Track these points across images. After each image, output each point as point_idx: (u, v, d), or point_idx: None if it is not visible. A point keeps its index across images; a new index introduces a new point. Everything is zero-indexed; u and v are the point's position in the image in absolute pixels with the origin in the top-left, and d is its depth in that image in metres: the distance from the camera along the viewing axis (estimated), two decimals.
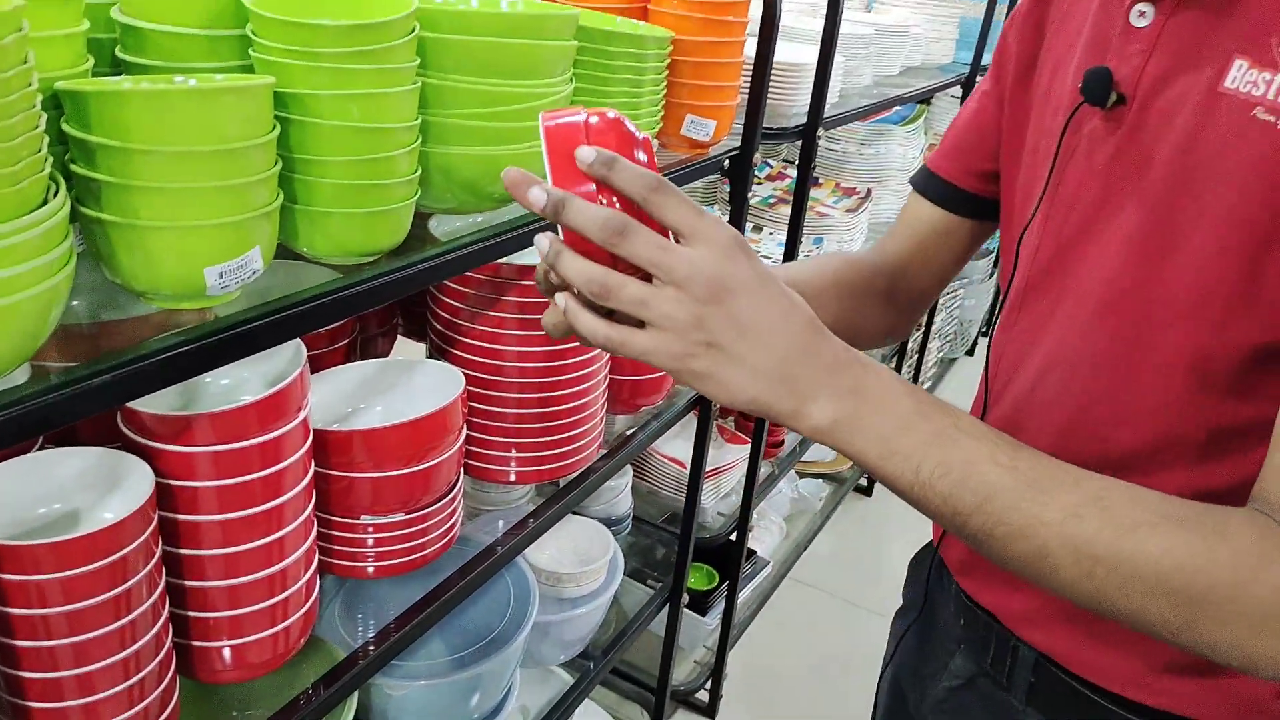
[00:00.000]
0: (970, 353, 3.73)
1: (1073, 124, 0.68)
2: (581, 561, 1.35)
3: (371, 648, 0.93)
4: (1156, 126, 0.62)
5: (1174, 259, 0.61)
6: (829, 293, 0.83)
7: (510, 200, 0.88)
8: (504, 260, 1.02)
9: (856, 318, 0.84)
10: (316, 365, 0.99)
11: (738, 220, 1.33)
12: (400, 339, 1.29)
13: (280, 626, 0.80)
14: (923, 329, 2.87)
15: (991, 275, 3.52)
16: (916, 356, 2.91)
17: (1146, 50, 0.63)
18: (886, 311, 0.87)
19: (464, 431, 0.96)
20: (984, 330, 3.85)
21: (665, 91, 1.10)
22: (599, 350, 1.10)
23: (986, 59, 2.32)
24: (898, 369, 2.72)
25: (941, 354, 3.34)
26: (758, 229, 1.87)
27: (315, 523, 0.84)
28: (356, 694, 0.95)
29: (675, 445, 1.86)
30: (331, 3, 0.69)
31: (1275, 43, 0.57)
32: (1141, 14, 0.64)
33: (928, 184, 0.87)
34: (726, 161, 1.25)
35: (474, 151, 0.80)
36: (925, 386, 3.20)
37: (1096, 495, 0.53)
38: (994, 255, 3.43)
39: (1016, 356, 0.74)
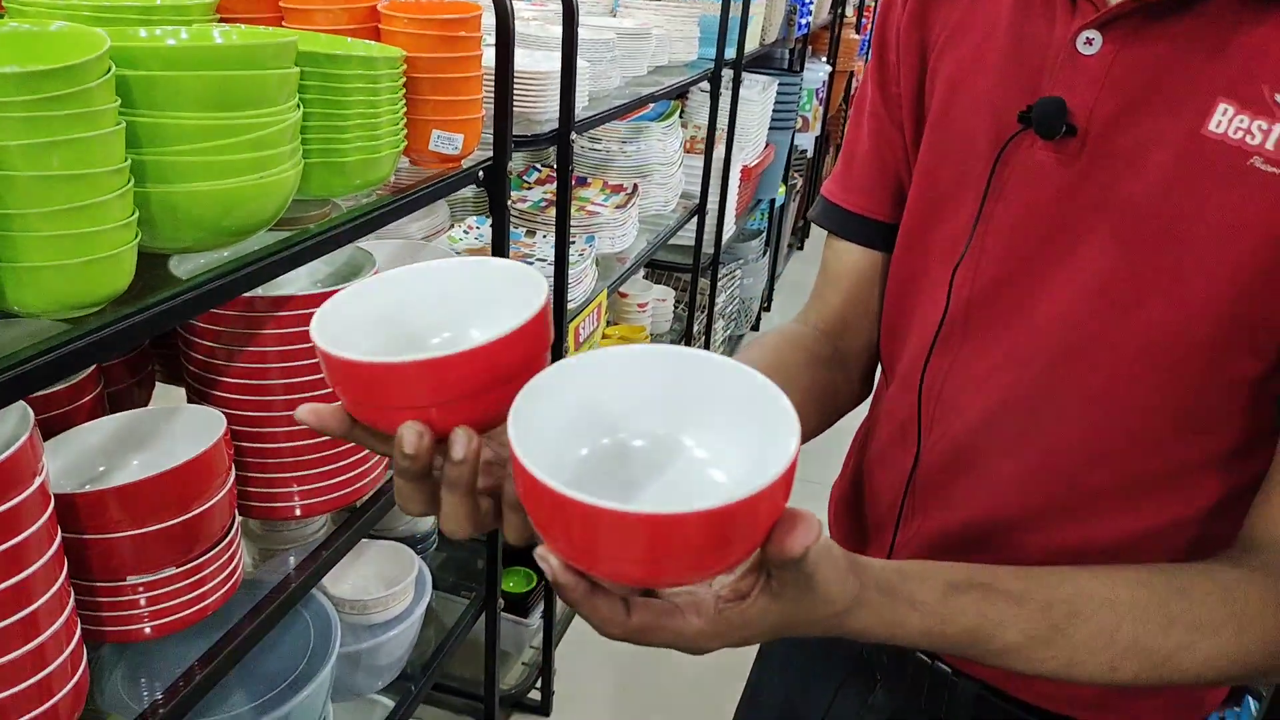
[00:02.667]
0: (755, 327, 3.92)
1: (1006, 152, 0.64)
2: (386, 585, 1.34)
3: (160, 701, 0.89)
4: (1124, 165, 0.59)
5: (1150, 307, 0.59)
6: (778, 378, 0.78)
7: (251, 232, 0.86)
8: (257, 294, 1.00)
9: (816, 396, 0.78)
10: (61, 425, 0.94)
11: (500, 227, 1.36)
12: (161, 386, 1.24)
13: (46, 706, 0.76)
14: (706, 311, 3.00)
15: (765, 254, 3.71)
16: (703, 338, 3.04)
17: (1098, 81, 0.60)
18: (838, 379, 0.81)
19: (232, 474, 0.94)
20: (765, 305, 4.06)
21: (406, 109, 1.11)
22: None
23: (729, 53, 2.45)
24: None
25: (728, 332, 3.49)
26: (530, 233, 1.90)
27: (72, 592, 0.79)
28: None
29: None
30: (23, 47, 0.66)
31: (1268, 90, 0.55)
32: (1089, 41, 0.60)
33: (852, 226, 0.80)
34: (481, 173, 1.27)
35: (199, 188, 0.78)
36: None
37: (1129, 644, 0.55)
38: (764, 234, 3.62)
39: (955, 394, 0.70)
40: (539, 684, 2.00)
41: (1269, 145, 0.55)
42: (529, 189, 2.06)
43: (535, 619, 1.97)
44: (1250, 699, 1.49)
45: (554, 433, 0.47)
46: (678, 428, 0.50)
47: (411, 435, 0.46)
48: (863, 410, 0.87)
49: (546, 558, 0.43)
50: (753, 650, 0.97)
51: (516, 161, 2.21)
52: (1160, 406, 0.61)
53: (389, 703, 1.42)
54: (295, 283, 1.14)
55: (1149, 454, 0.63)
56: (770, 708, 0.93)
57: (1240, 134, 0.55)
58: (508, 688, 1.98)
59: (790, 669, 0.91)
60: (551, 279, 1.67)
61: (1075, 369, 0.63)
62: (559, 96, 1.47)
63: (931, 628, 0.54)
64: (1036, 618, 0.55)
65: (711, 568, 0.43)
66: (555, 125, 1.49)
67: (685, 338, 2.79)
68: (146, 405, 1.18)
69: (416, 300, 0.55)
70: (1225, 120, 0.56)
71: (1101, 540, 0.66)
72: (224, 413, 0.95)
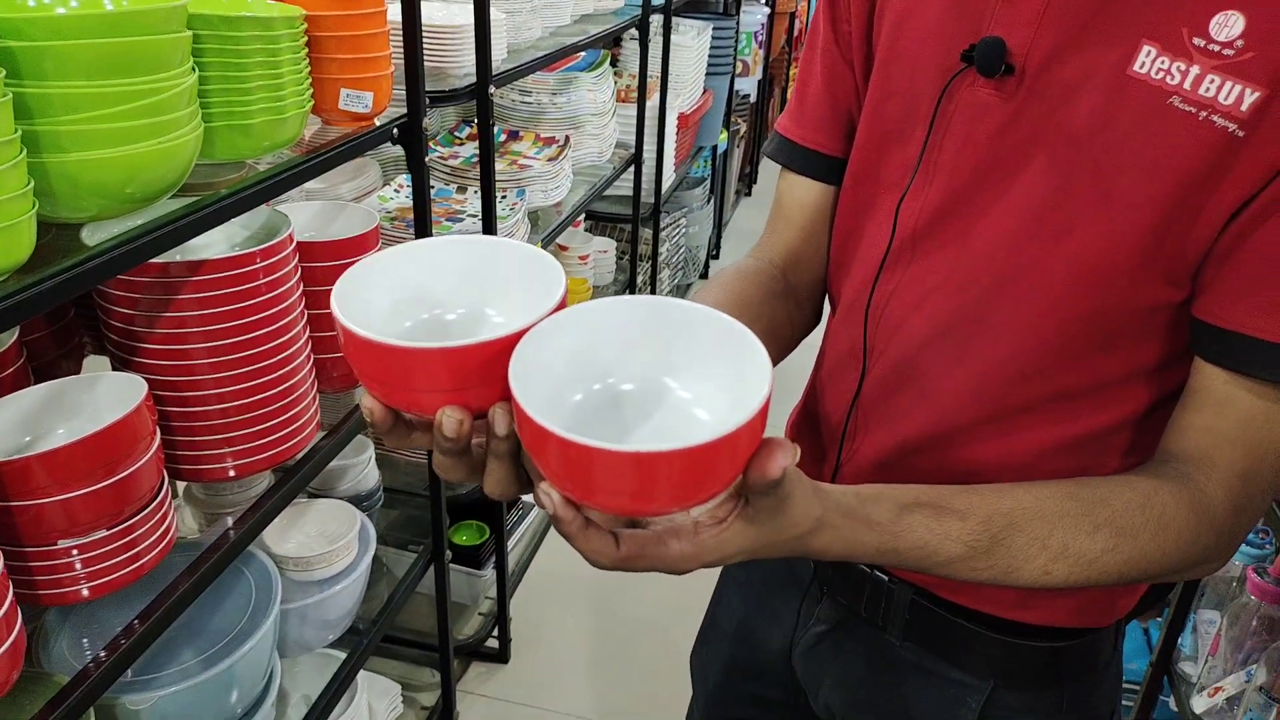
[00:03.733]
0: (704, 276, 3.95)
1: (950, 89, 0.68)
2: (330, 542, 1.37)
3: (103, 656, 0.91)
4: (1056, 102, 0.63)
5: (1078, 234, 0.63)
6: (744, 317, 0.78)
7: (156, 197, 0.87)
8: (173, 259, 1.01)
9: (773, 329, 0.81)
10: None
11: (420, 184, 1.37)
12: (94, 357, 1.24)
13: None
14: (650, 262, 3.02)
15: (709, 201, 3.73)
16: (648, 288, 3.06)
17: (1034, 22, 0.64)
18: (792, 311, 0.84)
19: (157, 436, 0.96)
20: (713, 254, 4.09)
21: (311, 69, 1.11)
22: (295, 335, 1.12)
23: (656, 0, 2.44)
24: None
25: (675, 281, 3.52)
26: (461, 189, 1.90)
27: (0, 556, 0.81)
28: (93, 715, 0.93)
29: None
30: None
31: (1187, 33, 0.58)
32: None
33: (805, 161, 0.83)
34: (395, 130, 1.28)
35: (96, 156, 0.79)
36: None
37: (1060, 550, 0.61)
38: (708, 181, 3.64)
39: (898, 319, 0.75)
40: (495, 633, 2.05)
41: (1186, 86, 0.58)
42: (460, 145, 2.06)
43: (488, 570, 2.02)
44: (1166, 609, 1.58)
45: (550, 382, 0.51)
46: (662, 371, 0.54)
47: (452, 423, 0.50)
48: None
49: (549, 493, 0.48)
50: (706, 591, 1.02)
51: (447, 118, 2.20)
52: (1086, 327, 0.66)
53: (340, 655, 1.45)
54: (213, 247, 1.15)
55: (1074, 370, 0.68)
56: (727, 630, 0.99)
57: (1161, 74, 0.59)
58: (465, 638, 2.03)
59: (750, 596, 0.96)
60: (480, 233, 1.69)
61: (1010, 292, 0.67)
62: (474, 50, 1.47)
63: (885, 544, 0.59)
64: (978, 530, 0.60)
65: (697, 497, 0.48)
66: (473, 80, 1.50)
67: (629, 289, 2.81)
68: None
69: (434, 274, 0.57)
70: (1148, 61, 0.59)
71: (1029, 450, 0.72)
72: (147, 378, 0.97)
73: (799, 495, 0.53)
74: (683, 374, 0.54)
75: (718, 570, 0.52)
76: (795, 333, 0.86)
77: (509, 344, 0.49)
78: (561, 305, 0.53)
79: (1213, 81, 0.58)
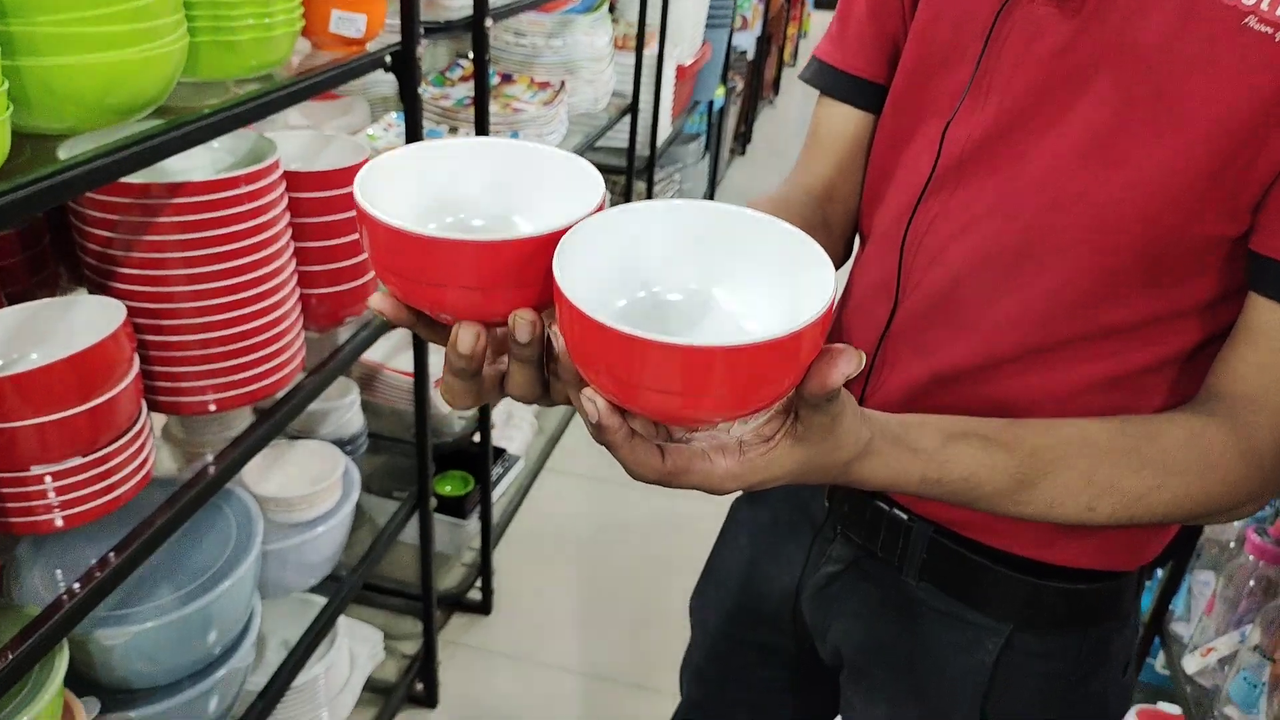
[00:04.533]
0: None
1: (1008, 6, 0.65)
2: (313, 484, 1.34)
3: (77, 589, 0.89)
4: (1121, 20, 0.60)
5: (1137, 162, 0.61)
6: None
7: (137, 111, 0.83)
8: (153, 180, 0.97)
9: None
10: None
11: (414, 117, 1.32)
12: (69, 291, 1.20)
13: None
14: None
15: (704, 158, 3.68)
16: None
17: None
18: (828, 243, 0.80)
19: (135, 364, 0.92)
20: None
21: None
22: (279, 266, 1.08)
23: None
24: None
25: None
26: (453, 130, 1.85)
27: None
28: (66, 646, 0.91)
29: (407, 358, 1.86)
30: None
31: None
32: None
33: (846, 87, 0.80)
34: (388, 58, 1.23)
35: (76, 61, 0.75)
36: None
37: (1106, 486, 0.59)
38: (704, 137, 3.59)
39: (937, 248, 0.72)
40: (479, 584, 2.03)
41: (1264, 5, 0.55)
42: (452, 85, 2.01)
43: (473, 520, 2.00)
44: (1159, 570, 1.58)
45: (593, 285, 0.47)
46: (711, 281, 0.51)
47: (469, 336, 0.48)
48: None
49: (594, 398, 0.45)
50: (691, 542, 0.99)
51: (440, 56, 2.15)
52: (1137, 260, 0.63)
53: (321, 600, 1.43)
54: (198, 173, 1.10)
55: (1121, 305, 0.65)
56: (732, 573, 0.97)
57: None
58: (448, 588, 2.01)
59: (759, 538, 0.94)
60: None
61: (1060, 221, 0.65)
62: None
63: (930, 474, 0.57)
64: (1026, 463, 0.58)
65: (751, 404, 0.44)
66: (469, 11, 1.45)
67: None
68: None
69: (462, 175, 0.54)
70: None
71: (1067, 387, 0.69)
72: (126, 304, 0.93)
73: (848, 415, 0.51)
74: (733, 285, 0.51)
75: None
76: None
77: (543, 244, 0.46)
78: (600, 208, 0.49)
79: None
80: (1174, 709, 1.47)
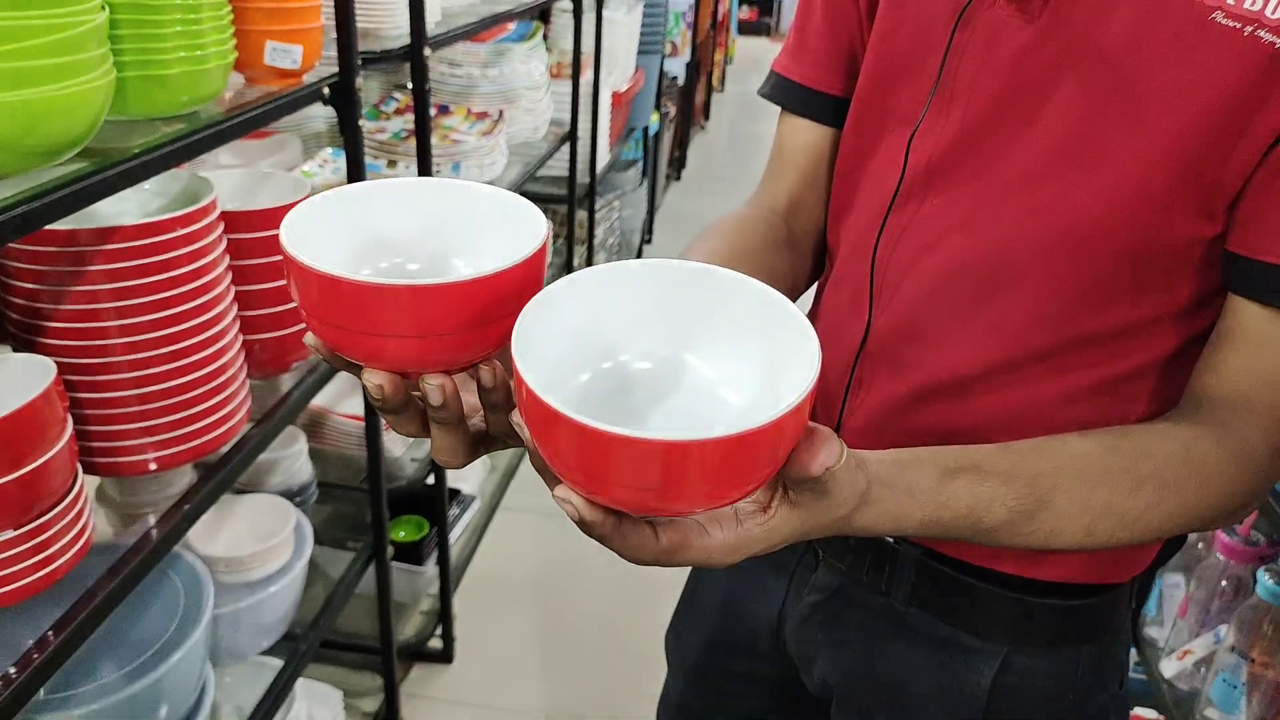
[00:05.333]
0: (638, 256, 3.90)
1: (968, 13, 0.63)
2: (262, 540, 1.26)
3: (13, 674, 0.81)
4: (1084, 20, 0.59)
5: (1111, 164, 0.59)
6: (745, 268, 0.72)
7: (61, 152, 0.77)
8: (77, 226, 0.90)
9: (778, 281, 0.76)
10: None
11: (355, 150, 1.27)
12: None
13: None
14: (586, 244, 2.95)
15: (642, 184, 3.67)
16: None
17: None
18: (795, 262, 0.80)
19: (68, 425, 0.85)
20: (645, 238, 4.04)
21: (234, 17, 1.01)
22: (221, 312, 1.02)
23: None
24: None
25: None
26: (392, 164, 1.80)
27: None
28: None
29: (355, 402, 1.79)
30: None
31: None
32: None
33: (806, 102, 0.78)
34: (327, 89, 1.18)
35: None
36: None
37: (1104, 508, 0.57)
38: (640, 163, 3.58)
39: (908, 261, 0.70)
40: (439, 632, 1.96)
41: (1230, 0, 0.54)
42: (387, 119, 1.96)
43: (430, 566, 1.92)
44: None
45: (553, 357, 0.45)
46: (682, 347, 0.48)
47: (435, 391, 0.46)
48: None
49: (569, 498, 0.43)
50: (657, 581, 0.96)
51: (372, 90, 2.10)
52: (1116, 266, 0.62)
53: (278, 662, 1.35)
54: (127, 216, 1.04)
55: (1101, 313, 0.64)
56: (710, 605, 0.93)
57: None
58: (407, 638, 1.93)
59: (737, 568, 0.91)
60: None
61: (1034, 229, 0.63)
62: (408, 9, 1.38)
63: (929, 515, 0.55)
64: (1023, 493, 0.56)
65: (730, 494, 0.42)
66: (406, 40, 1.40)
67: (566, 270, 2.74)
68: None
69: (395, 217, 0.51)
70: None
71: (1049, 398, 0.67)
72: (55, 360, 0.86)
73: (842, 475, 0.48)
74: (706, 350, 0.47)
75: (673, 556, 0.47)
76: (798, 284, 0.81)
77: (483, 286, 0.43)
78: (541, 252, 0.46)
79: None
80: (1153, 714, 1.47)
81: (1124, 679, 0.81)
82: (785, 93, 0.80)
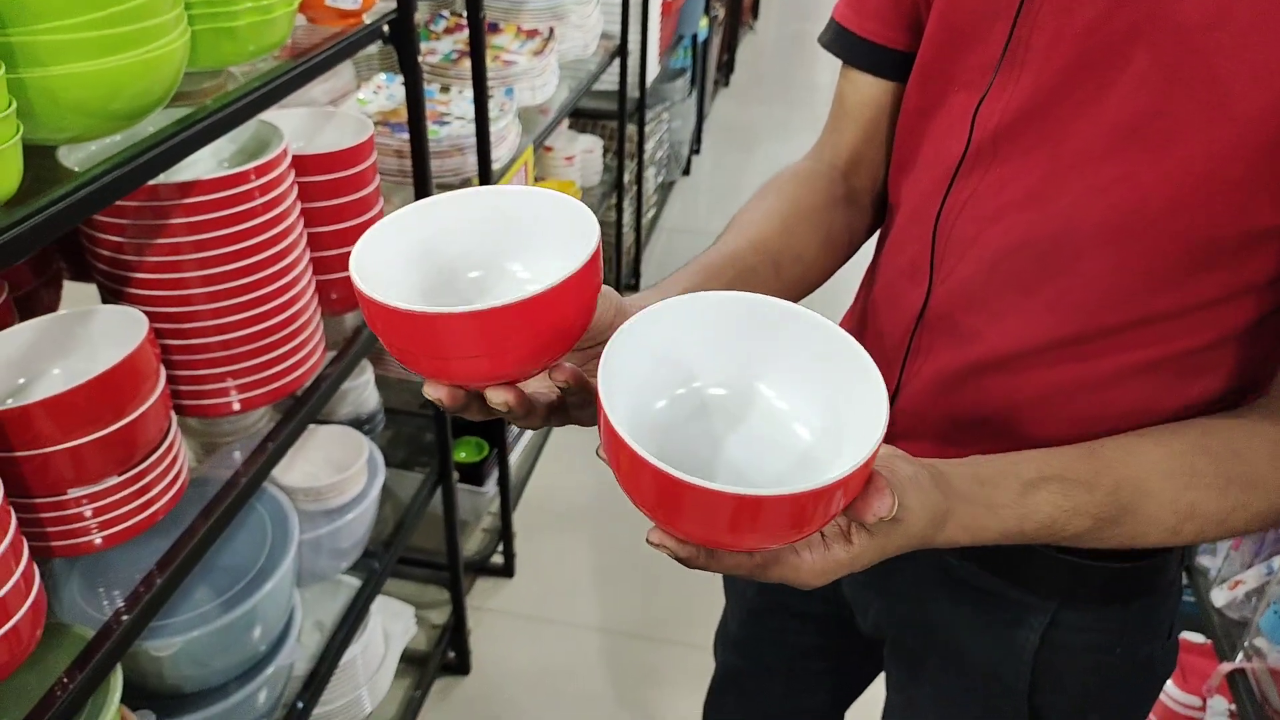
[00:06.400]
0: (686, 172, 3.85)
1: None
2: (337, 470, 1.32)
3: (124, 616, 0.87)
4: None
5: (1182, 145, 0.57)
6: (803, 227, 0.75)
7: (143, 114, 0.79)
8: (158, 181, 0.92)
9: (837, 238, 0.78)
10: None
11: (415, 87, 1.27)
12: (70, 285, 1.16)
13: (6, 628, 0.73)
14: (636, 159, 2.92)
15: (690, 93, 3.60)
16: (636, 187, 2.97)
17: None
18: (852, 217, 0.80)
19: (162, 375, 0.89)
20: (694, 149, 3.98)
21: None
22: (296, 257, 1.04)
23: None
24: (618, 203, 2.78)
25: (660, 179, 3.43)
26: (445, 89, 1.79)
27: (12, 511, 0.76)
28: (120, 668, 0.90)
29: None
30: None
31: None
32: None
33: (867, 55, 0.76)
34: (386, 27, 1.17)
35: (79, 69, 0.70)
36: (650, 215, 3.29)
37: (1190, 510, 0.58)
38: (688, 72, 3.50)
39: (972, 231, 0.68)
40: (500, 548, 2.03)
41: None
42: (437, 39, 1.94)
43: (491, 486, 1.99)
44: None
45: (633, 385, 0.48)
46: (754, 376, 0.50)
47: (499, 400, 0.49)
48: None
49: (663, 543, 0.46)
50: None
51: (421, 10, 2.07)
52: (1183, 248, 0.60)
53: (356, 581, 1.42)
54: (200, 164, 1.06)
55: (1165, 293, 0.62)
56: None
57: None
58: (471, 555, 2.01)
59: None
60: (474, 138, 1.59)
61: (1099, 207, 0.61)
62: None
63: (1010, 528, 0.56)
64: (1106, 501, 0.58)
65: (792, 537, 0.45)
66: None
67: (616, 188, 2.72)
68: (56, 308, 1.12)
69: (454, 230, 0.54)
70: None
71: (1107, 374, 0.67)
72: (141, 309, 0.90)
73: (915, 502, 0.51)
74: (777, 380, 0.50)
75: (766, 571, 0.52)
76: (855, 240, 0.81)
77: (541, 303, 0.45)
78: (595, 255, 0.48)
79: None
80: (1201, 639, 1.50)
81: (1173, 628, 0.82)
82: (846, 45, 0.78)
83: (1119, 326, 0.65)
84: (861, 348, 0.48)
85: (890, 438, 0.80)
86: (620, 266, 2.90)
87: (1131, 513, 0.58)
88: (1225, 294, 0.62)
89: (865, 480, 0.45)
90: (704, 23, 3.56)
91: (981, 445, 0.65)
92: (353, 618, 1.36)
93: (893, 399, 0.78)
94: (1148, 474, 0.59)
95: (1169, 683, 1.47)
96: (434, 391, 0.49)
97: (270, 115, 1.15)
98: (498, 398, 0.49)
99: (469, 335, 0.46)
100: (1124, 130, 0.59)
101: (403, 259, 0.52)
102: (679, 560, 0.47)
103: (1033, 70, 0.63)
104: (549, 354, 0.48)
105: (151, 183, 0.90)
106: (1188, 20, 0.55)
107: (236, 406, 1.05)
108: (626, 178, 2.83)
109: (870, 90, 0.78)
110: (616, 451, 0.44)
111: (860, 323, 0.84)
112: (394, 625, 1.61)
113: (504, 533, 2.01)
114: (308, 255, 1.09)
